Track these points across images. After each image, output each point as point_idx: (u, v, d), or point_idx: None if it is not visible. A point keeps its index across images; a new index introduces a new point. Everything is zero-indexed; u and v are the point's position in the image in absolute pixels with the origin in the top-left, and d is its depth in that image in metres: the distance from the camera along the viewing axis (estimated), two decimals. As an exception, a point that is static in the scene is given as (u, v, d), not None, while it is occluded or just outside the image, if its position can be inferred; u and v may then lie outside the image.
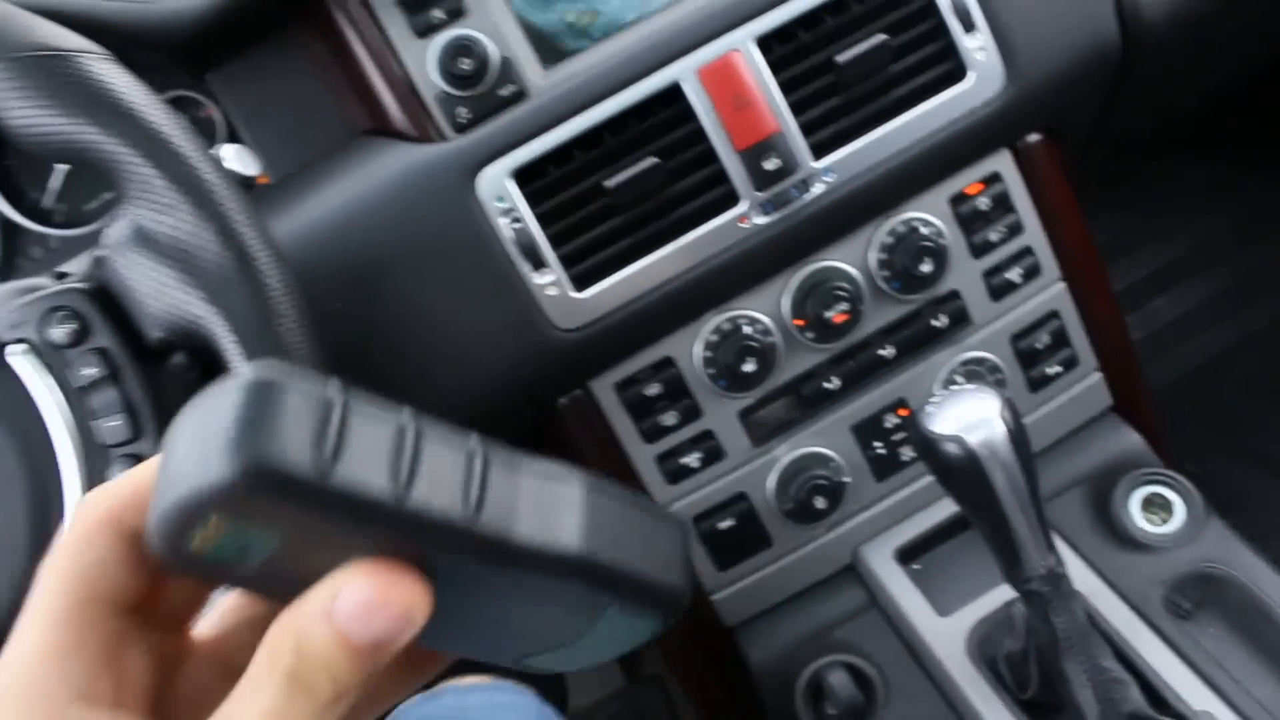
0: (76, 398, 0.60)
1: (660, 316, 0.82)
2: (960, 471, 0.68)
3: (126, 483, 0.33)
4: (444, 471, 0.30)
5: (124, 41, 0.74)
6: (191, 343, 0.60)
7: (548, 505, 0.32)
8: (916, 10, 0.81)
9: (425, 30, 0.79)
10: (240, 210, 0.58)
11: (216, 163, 0.59)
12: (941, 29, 0.81)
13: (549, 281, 0.78)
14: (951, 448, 0.67)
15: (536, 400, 0.84)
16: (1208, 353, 1.41)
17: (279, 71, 0.86)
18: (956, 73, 0.82)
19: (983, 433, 0.66)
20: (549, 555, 0.31)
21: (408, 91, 0.79)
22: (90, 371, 0.60)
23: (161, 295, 0.59)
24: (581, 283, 0.79)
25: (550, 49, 0.80)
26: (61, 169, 0.95)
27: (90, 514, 0.33)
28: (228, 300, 0.58)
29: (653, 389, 0.85)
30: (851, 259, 0.86)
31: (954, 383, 0.90)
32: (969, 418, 0.67)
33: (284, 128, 0.92)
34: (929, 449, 0.68)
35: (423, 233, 0.77)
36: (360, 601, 0.30)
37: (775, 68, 0.79)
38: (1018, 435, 0.67)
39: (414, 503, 0.29)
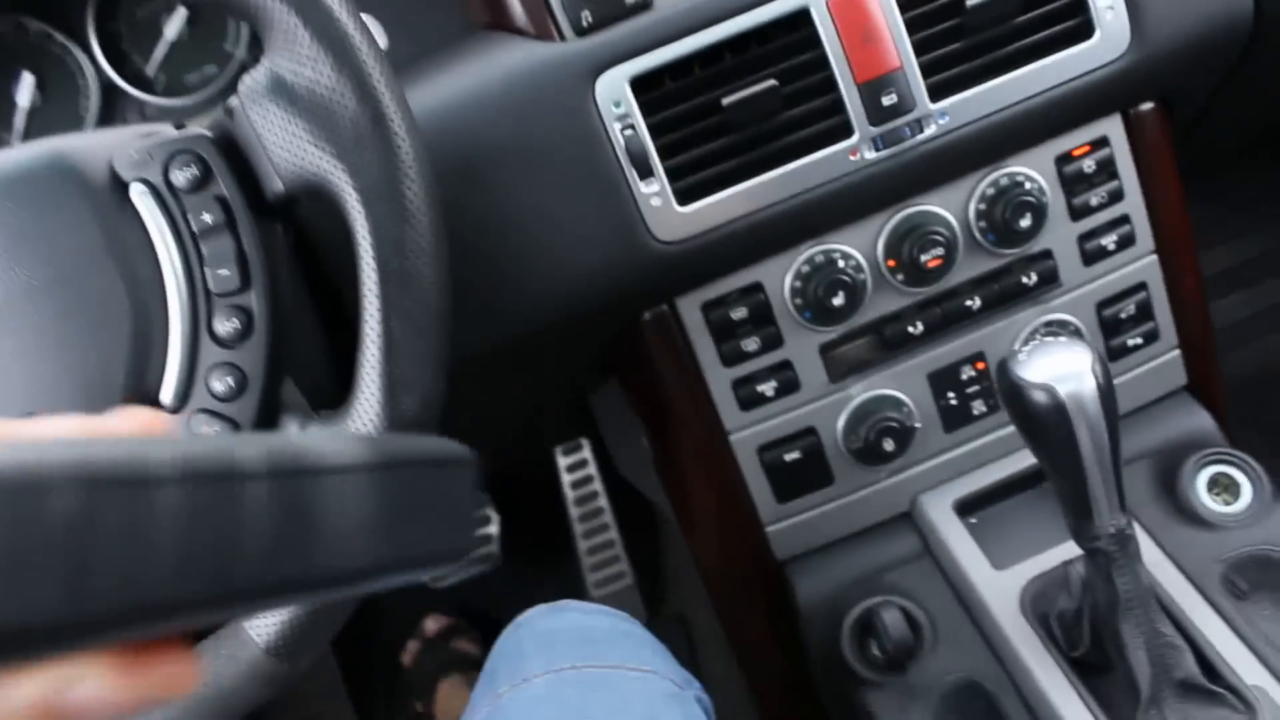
0: (191, 242, 0.61)
1: (756, 241, 0.82)
2: (1046, 420, 0.68)
3: None
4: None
5: None
6: (313, 197, 0.61)
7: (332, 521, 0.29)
8: (1051, -39, 0.80)
9: None
10: (381, 71, 0.59)
11: (361, 23, 0.59)
12: None
13: (654, 192, 0.78)
14: (1040, 395, 0.67)
15: (622, 312, 0.85)
16: (1270, 357, 1.40)
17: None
18: (1083, 30, 0.81)
19: (1073, 384, 0.66)
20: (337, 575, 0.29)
21: None
22: (207, 218, 0.61)
23: (290, 146, 0.60)
24: (685, 197, 0.79)
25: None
26: (168, 39, 0.96)
27: None
28: (358, 157, 0.58)
29: (738, 313, 0.85)
30: (951, 206, 0.86)
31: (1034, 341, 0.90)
32: (1060, 369, 0.67)
33: (401, 13, 0.92)
34: (1015, 395, 0.69)
35: (536, 130, 0.77)
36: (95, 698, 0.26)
37: (903, 5, 0.78)
38: (1107, 391, 0.67)
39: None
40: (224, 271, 0.61)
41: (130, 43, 0.97)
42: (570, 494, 1.56)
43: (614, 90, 0.77)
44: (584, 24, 0.79)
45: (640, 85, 0.77)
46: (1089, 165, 0.87)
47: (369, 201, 0.58)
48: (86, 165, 0.61)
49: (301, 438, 0.29)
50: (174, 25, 0.96)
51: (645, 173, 0.78)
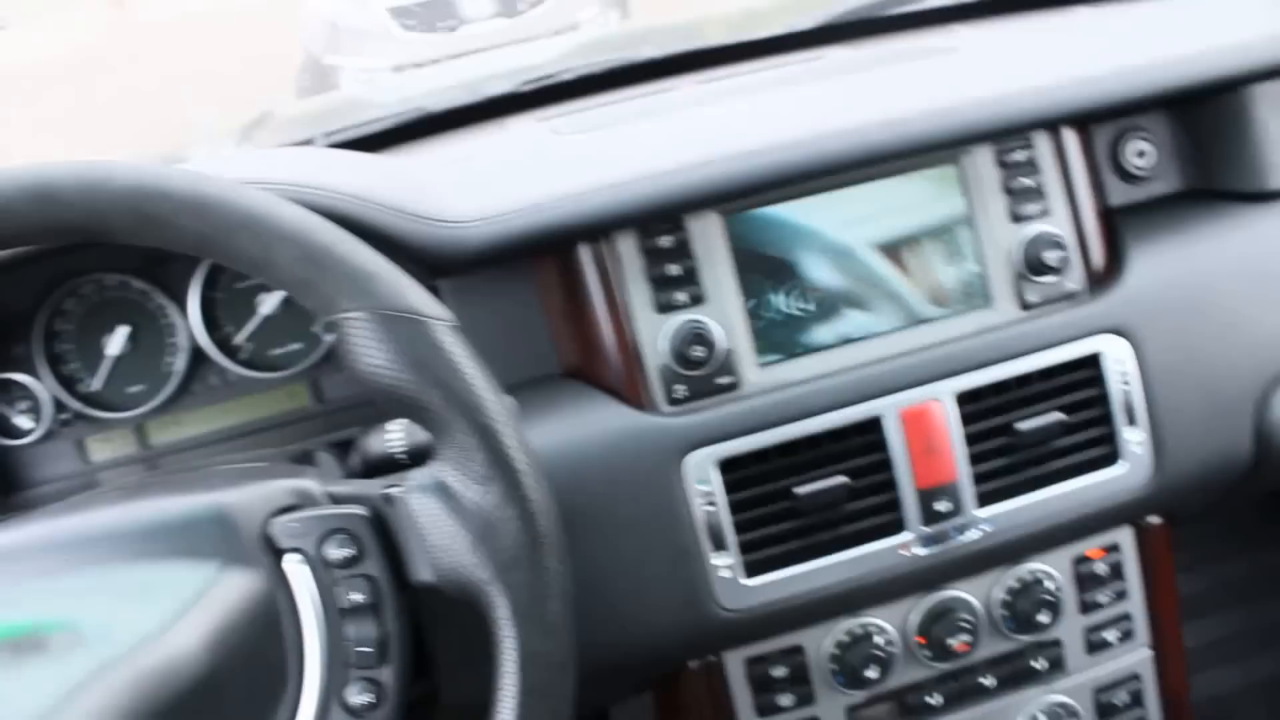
0: (336, 617, 0.65)
1: (806, 612, 0.89)
2: None
3: None
4: None
5: (399, 249, 0.80)
6: (461, 595, 0.66)
7: None
8: (1091, 398, 0.91)
9: (665, 308, 0.87)
10: (542, 497, 0.65)
11: (528, 447, 0.66)
12: (1108, 418, 0.91)
13: (725, 564, 0.85)
14: None
15: (674, 661, 0.90)
16: (1213, 689, 1.49)
17: (504, 290, 0.93)
18: (1111, 457, 0.91)
19: None
20: None
21: (632, 356, 0.87)
22: (356, 596, 0.65)
23: (449, 549, 0.65)
24: (751, 570, 0.86)
25: (768, 347, 0.88)
26: (262, 313, 1.01)
27: None
28: (514, 576, 0.64)
29: (778, 670, 0.91)
30: (978, 594, 0.94)
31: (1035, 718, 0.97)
32: None
33: (492, 341, 0.98)
34: None
35: (621, 494, 0.84)
36: None
37: (963, 421, 0.88)
38: None
39: None
40: (365, 648, 0.65)
41: (225, 310, 1.01)
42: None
43: (701, 469, 0.84)
44: (677, 397, 0.87)
45: (723, 466, 0.85)
46: (1101, 567, 0.96)
47: (518, 619, 0.64)
48: (243, 524, 0.65)
49: None
50: (270, 302, 1.01)
51: (719, 546, 0.85)
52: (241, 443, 1.01)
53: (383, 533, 0.67)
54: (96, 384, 0.99)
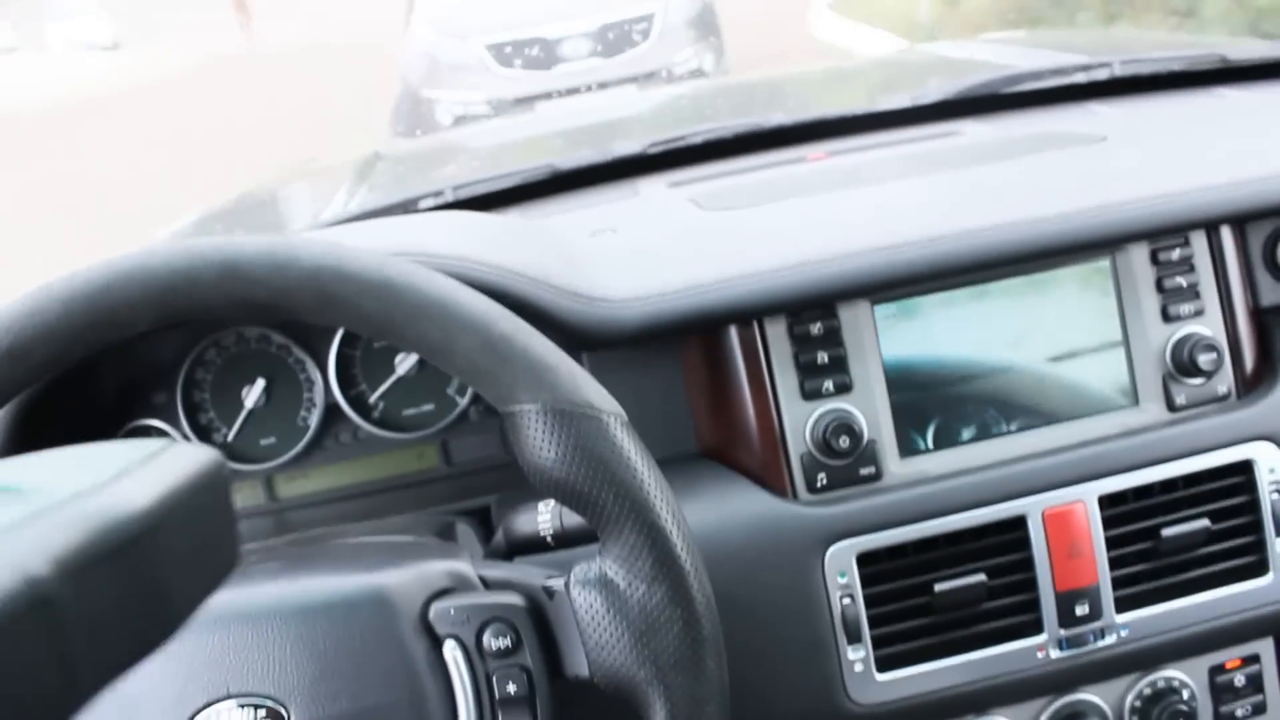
0: (491, 707, 0.66)
1: (935, 710, 0.87)
2: None
3: None
4: None
5: (552, 324, 0.81)
6: (617, 693, 0.66)
7: None
8: (1240, 505, 0.88)
9: (812, 395, 0.87)
10: (707, 600, 0.65)
11: (694, 547, 0.66)
12: (1258, 527, 0.88)
13: (859, 658, 0.84)
14: None
15: None
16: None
17: (648, 365, 0.93)
18: (1259, 567, 0.89)
19: None
20: None
21: (776, 441, 0.87)
22: (511, 688, 0.66)
23: (610, 646, 0.65)
24: (884, 665, 0.85)
25: (911, 439, 0.87)
26: (398, 374, 1.02)
27: None
28: (674, 678, 0.64)
29: (905, 766, 0.90)
30: (1110, 700, 0.92)
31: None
32: None
33: (632, 417, 0.99)
34: None
35: (760, 581, 0.83)
36: None
37: (1106, 524, 0.86)
38: None
39: None
40: None
41: (362, 369, 1.03)
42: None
43: (841, 561, 0.84)
44: (818, 486, 0.86)
45: (862, 560, 0.84)
46: (1240, 679, 0.93)
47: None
48: (403, 607, 0.66)
49: None
50: (407, 364, 1.03)
51: (854, 639, 0.84)
52: (368, 501, 1.03)
53: (541, 624, 0.67)
54: (231, 435, 1.02)
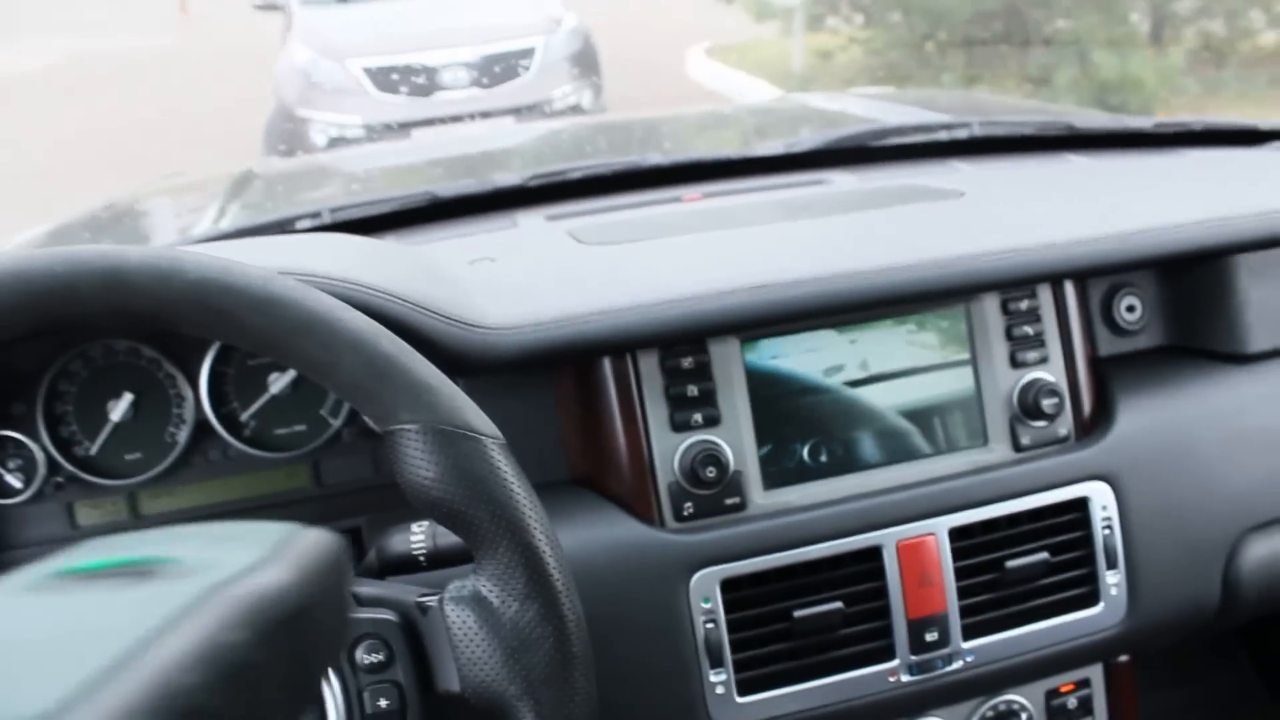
0: None
1: (792, 737, 0.91)
2: None
3: None
4: None
5: (429, 348, 0.82)
6: (486, 707, 0.67)
7: None
8: (1076, 539, 0.95)
9: (681, 426, 0.90)
10: (578, 618, 0.67)
11: (567, 566, 0.67)
12: (1091, 559, 0.95)
13: (720, 680, 0.87)
14: None
15: None
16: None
17: (521, 394, 0.95)
18: (1092, 597, 0.95)
19: None
20: None
21: (645, 470, 0.89)
22: (383, 703, 0.66)
23: (481, 662, 0.66)
24: (744, 689, 0.88)
25: (774, 471, 0.91)
26: (271, 392, 1.02)
27: None
28: (544, 693, 0.65)
29: (760, 788, 0.93)
30: (956, 724, 0.97)
31: None
32: None
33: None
34: None
35: (625, 606, 0.85)
36: None
37: (955, 555, 0.91)
38: None
39: None
40: None
41: (234, 386, 1.02)
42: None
43: (706, 588, 0.86)
44: (685, 514, 0.89)
45: (725, 586, 0.87)
46: (1072, 702, 1.00)
47: None
48: None
49: None
50: (280, 383, 1.02)
51: (716, 663, 0.87)
52: (234, 519, 1.02)
53: (413, 640, 0.68)
54: (94, 449, 0.99)
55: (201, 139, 6.37)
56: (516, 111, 5.51)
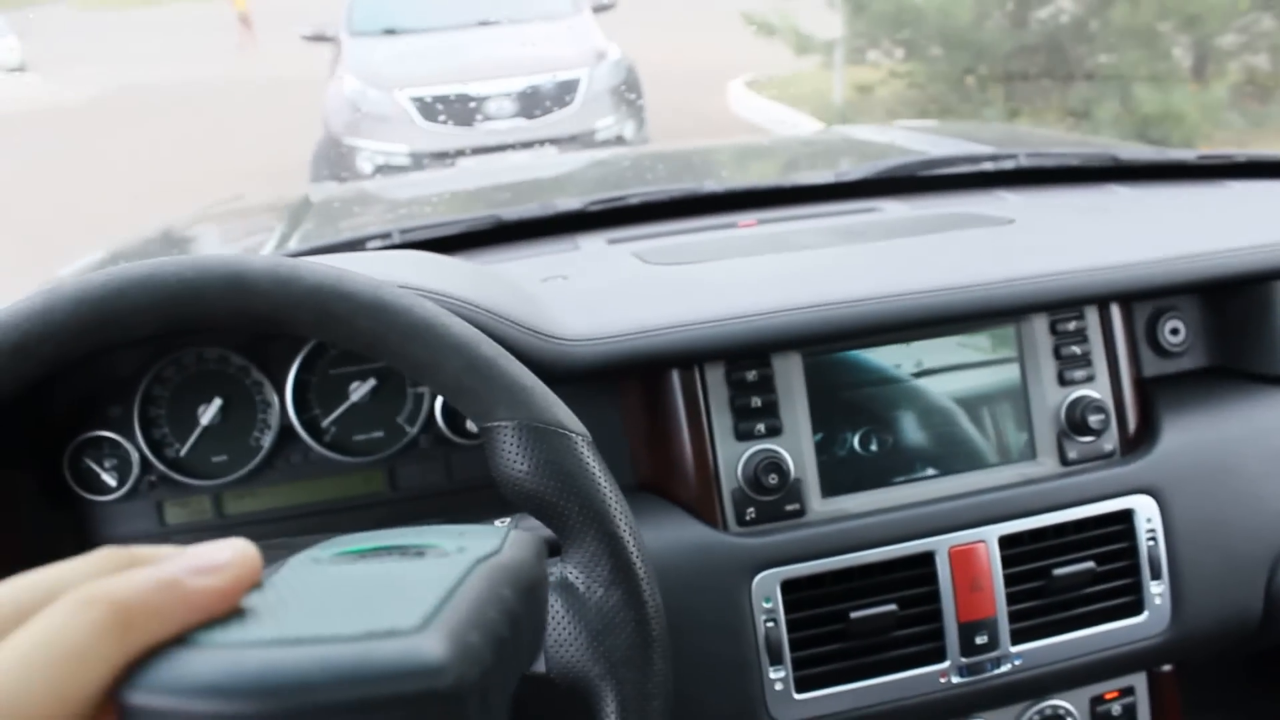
0: None
1: (847, 729, 0.95)
2: None
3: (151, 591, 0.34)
4: None
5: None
6: (570, 688, 0.72)
7: None
8: (1121, 550, 0.99)
9: (745, 436, 0.95)
10: (658, 604, 0.71)
11: (648, 556, 0.72)
12: (1136, 570, 0.99)
13: (779, 678, 0.91)
14: None
15: None
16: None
17: (590, 402, 1.00)
18: (1136, 606, 0.99)
19: None
20: None
21: (710, 477, 0.94)
22: None
23: (566, 645, 0.71)
24: (802, 686, 0.92)
25: (833, 480, 0.96)
26: (352, 400, 1.07)
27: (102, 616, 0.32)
28: (625, 674, 0.70)
29: (818, 782, 0.97)
30: (1004, 727, 1.00)
31: None
32: None
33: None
34: None
35: (691, 605, 0.90)
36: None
37: (1004, 563, 0.95)
38: None
39: None
40: None
41: (316, 394, 1.08)
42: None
43: (766, 588, 0.91)
44: (747, 519, 0.94)
45: (785, 587, 0.92)
46: (1116, 709, 1.03)
47: (624, 713, 0.70)
48: None
49: None
50: (361, 391, 1.08)
51: (776, 661, 0.91)
52: (312, 520, 1.07)
53: None
54: (184, 450, 1.05)
55: (250, 169, 6.51)
56: (560, 141, 5.60)
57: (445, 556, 0.41)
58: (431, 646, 0.33)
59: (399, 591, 0.37)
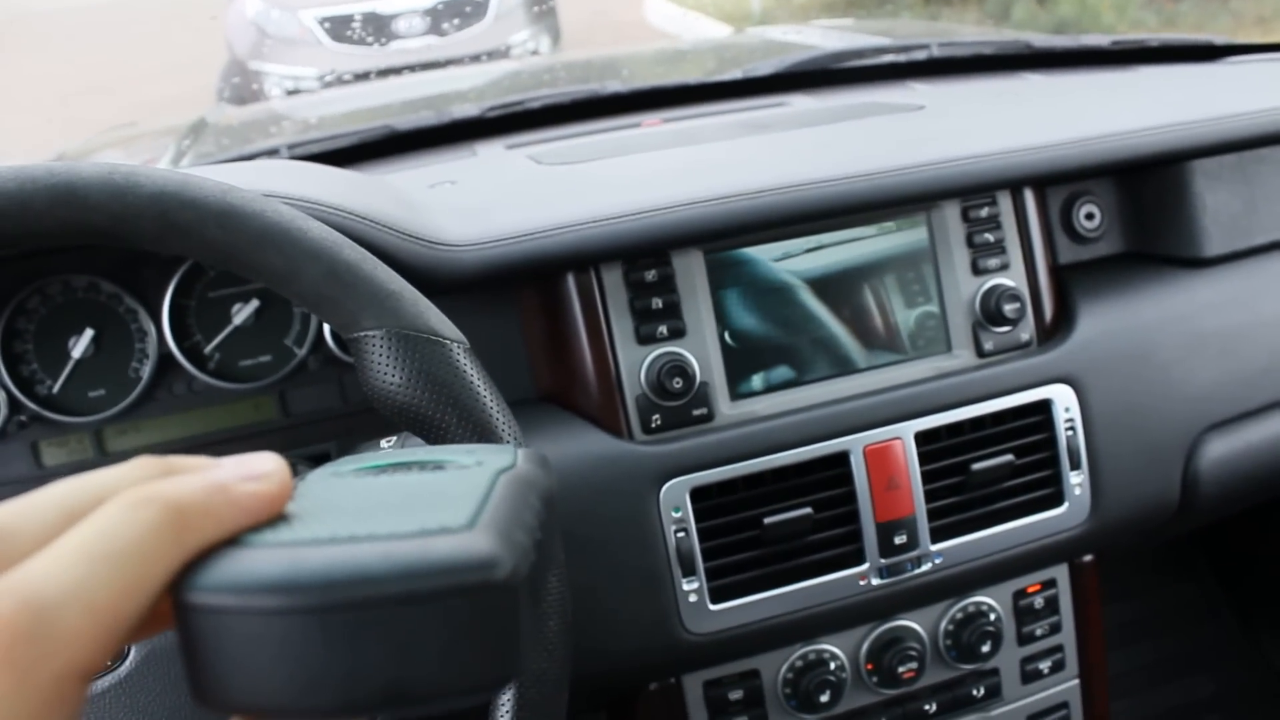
0: None
1: (765, 638, 0.93)
2: None
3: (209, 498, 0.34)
4: None
5: (395, 268, 0.82)
6: None
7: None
8: (1039, 442, 0.96)
9: (646, 339, 0.90)
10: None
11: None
12: (1055, 461, 0.97)
13: (693, 589, 0.88)
14: None
15: (634, 682, 0.93)
16: (1131, 715, 1.57)
17: (485, 312, 0.95)
18: (1056, 498, 0.97)
19: None
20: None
21: (612, 384, 0.90)
22: None
23: None
24: (717, 596, 0.89)
25: (741, 382, 0.92)
26: (235, 324, 1.01)
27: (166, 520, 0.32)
28: None
29: (735, 694, 0.95)
30: (925, 624, 0.99)
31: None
32: None
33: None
34: None
35: (597, 518, 0.86)
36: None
37: (921, 459, 0.92)
38: None
39: None
40: None
41: (197, 319, 1.01)
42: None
43: (675, 497, 0.87)
44: (652, 426, 0.90)
45: (695, 495, 0.88)
46: (1039, 601, 1.02)
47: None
48: None
49: None
50: (244, 313, 1.01)
51: (689, 572, 0.88)
52: (204, 453, 1.01)
53: None
54: (56, 387, 0.98)
55: (153, 100, 6.25)
56: (474, 59, 5.44)
57: (465, 469, 0.42)
58: (485, 542, 0.34)
59: (436, 496, 0.38)
